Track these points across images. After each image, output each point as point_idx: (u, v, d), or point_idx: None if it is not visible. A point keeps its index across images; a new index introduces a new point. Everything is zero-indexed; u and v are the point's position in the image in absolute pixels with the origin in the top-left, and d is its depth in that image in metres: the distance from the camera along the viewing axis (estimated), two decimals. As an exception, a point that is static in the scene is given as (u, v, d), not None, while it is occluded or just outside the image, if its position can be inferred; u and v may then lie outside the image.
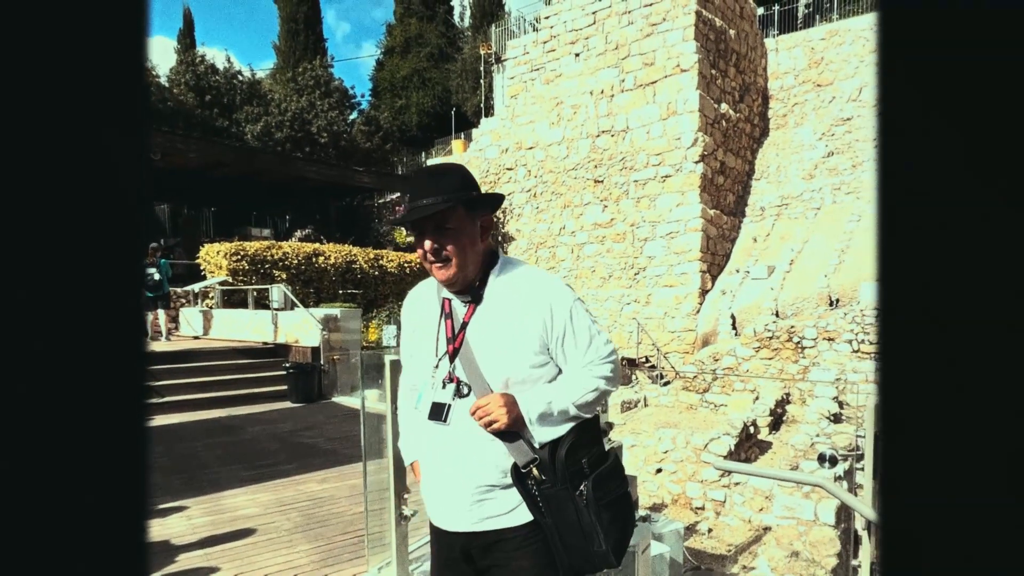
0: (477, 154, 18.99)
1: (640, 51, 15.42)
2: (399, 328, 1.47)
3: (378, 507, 3.04)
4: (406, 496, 2.74)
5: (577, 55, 16.79)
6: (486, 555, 1.51)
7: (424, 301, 1.66)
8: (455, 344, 1.51)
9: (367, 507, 3.13)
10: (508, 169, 18.05)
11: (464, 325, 1.52)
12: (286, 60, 30.13)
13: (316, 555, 3.52)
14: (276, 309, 10.38)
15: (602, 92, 16.00)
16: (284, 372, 8.82)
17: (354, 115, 26.53)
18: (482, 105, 22.71)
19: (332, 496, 4.56)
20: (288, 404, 8.50)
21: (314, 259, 12.86)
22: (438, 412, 1.50)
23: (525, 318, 1.48)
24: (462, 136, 23.85)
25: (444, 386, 1.51)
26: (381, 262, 14.09)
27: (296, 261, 12.58)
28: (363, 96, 31.38)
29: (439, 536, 1.59)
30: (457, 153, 21.40)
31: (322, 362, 9.16)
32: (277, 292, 10.60)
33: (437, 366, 1.54)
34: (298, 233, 18.87)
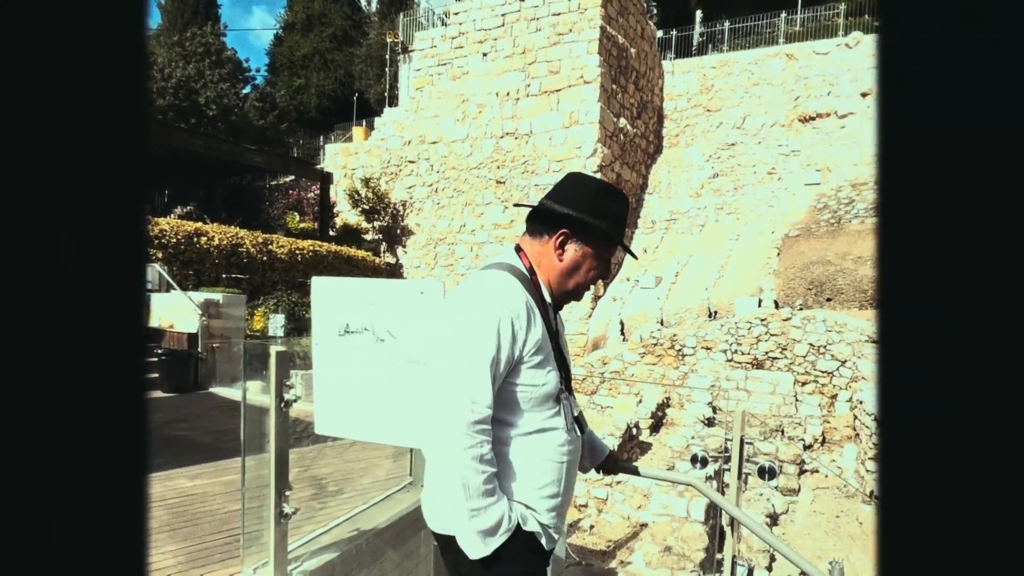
0: (379, 143, 18.55)
1: (546, 58, 15.72)
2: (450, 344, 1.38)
3: (256, 504, 2.87)
4: (288, 493, 2.60)
5: (485, 55, 16.84)
6: None
7: (535, 310, 1.39)
8: (564, 353, 1.48)
9: (244, 504, 2.94)
10: (410, 162, 17.76)
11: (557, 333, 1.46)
12: (172, 22, 27.85)
13: (183, 556, 3.26)
14: (149, 290, 9.57)
15: (508, 94, 16.15)
16: (155, 359, 8.16)
17: (247, 89, 25.00)
18: (386, 94, 22.18)
19: (205, 493, 4.26)
20: (159, 393, 7.87)
21: (195, 239, 11.98)
22: (582, 424, 1.47)
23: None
24: (363, 123, 23.16)
25: (574, 396, 1.47)
26: (271, 247, 13.37)
27: (175, 240, 11.65)
28: (258, 71, 29.58)
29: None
30: (358, 140, 20.77)
31: (200, 350, 8.55)
32: (151, 272, 9.78)
33: (563, 378, 1.41)
34: (178, 210, 17.52)
